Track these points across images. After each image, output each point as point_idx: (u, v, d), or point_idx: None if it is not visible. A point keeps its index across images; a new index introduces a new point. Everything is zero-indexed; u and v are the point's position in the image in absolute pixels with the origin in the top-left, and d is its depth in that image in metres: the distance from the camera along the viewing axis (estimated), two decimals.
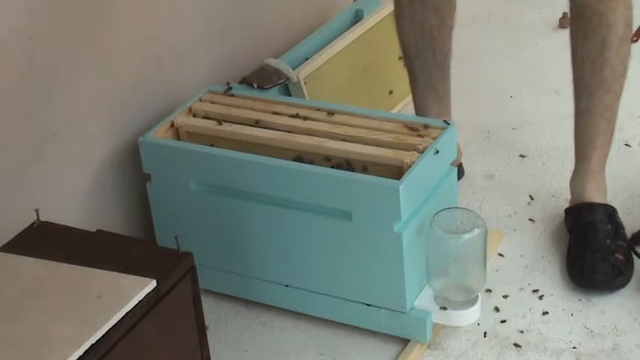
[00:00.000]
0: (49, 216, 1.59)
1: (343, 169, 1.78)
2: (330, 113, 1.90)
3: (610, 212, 1.99)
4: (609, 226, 1.96)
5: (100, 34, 1.86)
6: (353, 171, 1.76)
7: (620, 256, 1.92)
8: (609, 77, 1.93)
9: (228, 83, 2.04)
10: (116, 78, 1.92)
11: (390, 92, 2.40)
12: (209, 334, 1.57)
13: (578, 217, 2.00)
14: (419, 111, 2.15)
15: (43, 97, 1.76)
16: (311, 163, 1.80)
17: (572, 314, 1.87)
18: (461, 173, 2.13)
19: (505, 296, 1.92)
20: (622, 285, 1.90)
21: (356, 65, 2.31)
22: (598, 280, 1.90)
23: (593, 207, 1.99)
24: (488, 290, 1.91)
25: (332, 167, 1.78)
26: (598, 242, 1.93)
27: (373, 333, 1.83)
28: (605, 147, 2.00)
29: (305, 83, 2.16)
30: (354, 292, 1.80)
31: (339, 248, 1.77)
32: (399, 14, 2.08)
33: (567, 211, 2.04)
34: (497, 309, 1.89)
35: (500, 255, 2.02)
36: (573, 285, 1.92)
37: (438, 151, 1.77)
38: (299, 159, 1.80)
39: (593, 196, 2.00)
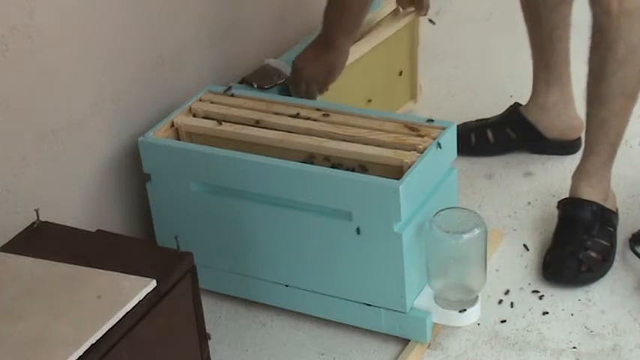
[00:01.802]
0: (49, 216, 1.59)
1: (343, 169, 1.78)
2: (330, 113, 1.90)
3: (597, 211, 1.98)
4: (591, 224, 1.97)
5: (99, 34, 1.86)
6: (353, 171, 1.76)
7: (594, 254, 1.94)
8: (605, 94, 1.93)
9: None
10: (116, 78, 1.92)
11: (400, 73, 2.40)
12: (209, 334, 1.57)
13: (563, 210, 2.02)
14: (533, 75, 2.28)
15: (43, 97, 1.76)
16: (311, 163, 1.80)
17: (572, 314, 1.87)
18: None
19: (505, 296, 1.92)
20: (587, 282, 1.93)
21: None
22: (561, 274, 1.93)
23: (579, 203, 2.00)
24: (488, 290, 1.91)
25: (332, 167, 1.78)
26: (572, 237, 1.96)
27: (373, 333, 1.83)
28: (603, 154, 2.00)
29: None
30: (354, 292, 1.80)
31: (339, 248, 1.77)
32: None
33: (558, 203, 2.06)
34: (497, 309, 1.89)
35: (500, 255, 2.02)
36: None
37: (440, 145, 1.77)
38: (309, 160, 1.80)
39: (584, 193, 2.01)
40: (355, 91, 2.21)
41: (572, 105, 2.27)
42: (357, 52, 2.16)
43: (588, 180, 2.01)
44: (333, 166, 1.79)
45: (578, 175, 2.03)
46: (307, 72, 1.99)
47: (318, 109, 1.91)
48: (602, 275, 1.94)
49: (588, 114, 1.99)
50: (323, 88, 2.02)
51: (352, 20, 1.98)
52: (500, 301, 1.91)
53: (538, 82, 2.28)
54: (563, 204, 2.03)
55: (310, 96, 2.00)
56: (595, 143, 1.99)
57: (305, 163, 1.79)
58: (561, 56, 2.23)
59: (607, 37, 1.88)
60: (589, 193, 2.00)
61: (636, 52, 1.89)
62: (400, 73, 2.38)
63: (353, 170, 1.77)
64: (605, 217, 1.99)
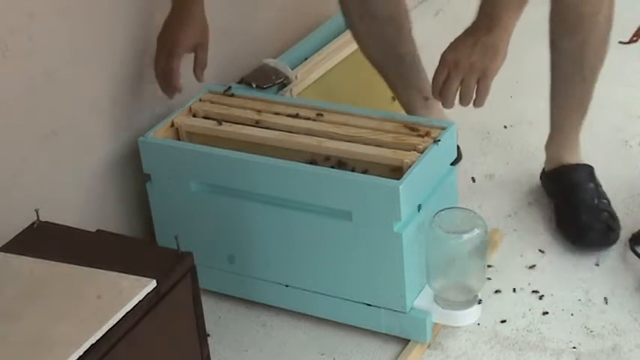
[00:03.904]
0: (49, 216, 1.59)
1: (343, 168, 1.78)
2: (330, 113, 1.90)
3: (590, 171, 2.07)
4: (592, 185, 2.04)
5: (99, 34, 1.86)
6: (353, 171, 1.76)
7: (607, 214, 2.01)
8: (587, 73, 1.99)
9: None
10: (116, 78, 1.92)
11: (393, 99, 2.36)
12: (209, 334, 1.57)
13: (561, 179, 2.07)
14: (409, 113, 2.13)
15: (43, 97, 1.76)
16: (311, 163, 1.80)
17: (572, 314, 1.87)
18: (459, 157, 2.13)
19: (505, 296, 1.92)
20: (615, 240, 1.99)
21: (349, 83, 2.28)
22: (594, 238, 1.99)
23: (575, 168, 2.07)
24: (497, 291, 1.91)
25: (332, 167, 1.78)
26: (587, 202, 2.02)
27: (373, 333, 1.83)
28: (580, 120, 2.07)
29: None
30: (354, 292, 1.80)
31: (339, 248, 1.77)
32: (355, 34, 2.08)
33: (548, 174, 2.10)
34: (497, 309, 1.89)
35: (500, 255, 2.02)
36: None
37: (439, 140, 1.76)
38: (313, 162, 1.80)
39: (572, 158, 2.08)
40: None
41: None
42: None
43: (571, 146, 2.09)
44: (333, 166, 1.79)
45: (557, 143, 2.10)
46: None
47: (318, 109, 1.91)
48: (620, 231, 2.00)
49: (562, 92, 2.04)
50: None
51: None
52: (501, 301, 1.90)
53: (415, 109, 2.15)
54: (559, 173, 2.08)
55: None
56: (573, 113, 2.06)
57: (294, 162, 1.79)
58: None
59: (587, 22, 1.92)
60: (575, 157, 2.09)
61: (611, 25, 1.96)
62: (393, 99, 2.32)
63: (353, 170, 1.77)
64: (595, 177, 2.07)
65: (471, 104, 1.79)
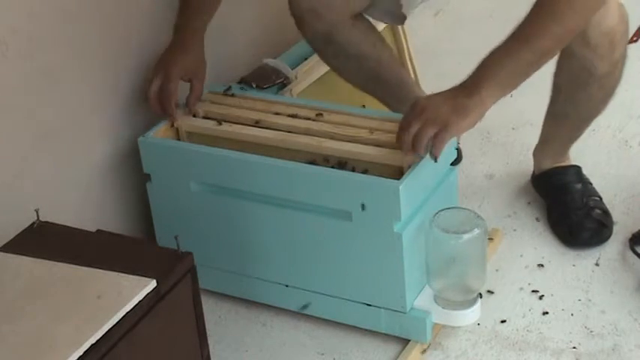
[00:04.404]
0: (49, 216, 1.59)
1: (343, 168, 1.78)
2: (330, 113, 1.90)
3: (577, 171, 2.10)
4: (580, 185, 2.07)
5: (99, 34, 1.86)
6: (353, 171, 1.76)
7: (599, 211, 2.03)
8: (592, 114, 2.00)
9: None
10: (116, 78, 1.92)
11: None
12: (209, 334, 1.57)
13: (550, 182, 2.10)
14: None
15: (43, 97, 1.76)
16: (311, 163, 1.80)
17: (572, 314, 1.87)
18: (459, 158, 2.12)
19: (505, 296, 1.92)
20: (608, 237, 2.02)
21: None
22: (586, 236, 2.01)
23: (563, 170, 2.10)
24: (489, 291, 1.91)
25: (332, 167, 1.78)
26: (576, 202, 2.04)
27: (373, 333, 1.83)
28: (574, 141, 2.09)
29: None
30: (354, 292, 1.80)
31: (339, 248, 1.77)
32: (331, 67, 2.09)
33: (537, 177, 2.14)
34: (497, 309, 1.89)
35: (500, 255, 2.02)
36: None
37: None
38: (313, 162, 1.80)
39: (562, 162, 2.11)
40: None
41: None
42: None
43: (561, 153, 2.11)
44: (333, 166, 1.79)
45: (546, 152, 2.12)
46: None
47: (318, 109, 1.91)
48: (612, 228, 2.03)
49: (562, 123, 2.04)
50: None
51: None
52: (501, 301, 1.91)
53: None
54: (548, 175, 2.10)
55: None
56: (569, 137, 2.08)
57: (294, 162, 1.79)
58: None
59: (599, 83, 1.90)
60: (563, 161, 2.11)
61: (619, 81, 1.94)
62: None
63: (353, 170, 1.77)
64: (583, 176, 2.10)
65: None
